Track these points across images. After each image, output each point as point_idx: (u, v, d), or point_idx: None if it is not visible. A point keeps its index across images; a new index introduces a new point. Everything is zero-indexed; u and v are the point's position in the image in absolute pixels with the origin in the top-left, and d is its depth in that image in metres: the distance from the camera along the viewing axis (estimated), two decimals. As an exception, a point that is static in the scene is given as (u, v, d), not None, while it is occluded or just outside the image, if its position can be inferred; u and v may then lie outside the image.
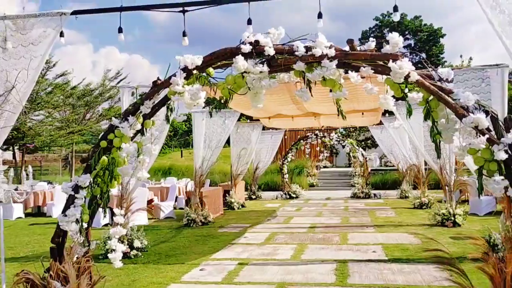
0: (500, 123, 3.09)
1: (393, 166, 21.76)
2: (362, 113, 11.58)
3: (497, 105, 6.04)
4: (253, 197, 18.41)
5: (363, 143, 30.40)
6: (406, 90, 3.37)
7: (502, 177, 2.98)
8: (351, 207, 14.54)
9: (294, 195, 18.56)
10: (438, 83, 3.24)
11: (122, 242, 7.50)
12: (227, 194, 15.06)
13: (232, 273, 6.37)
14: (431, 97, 3.25)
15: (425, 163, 14.95)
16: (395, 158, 17.94)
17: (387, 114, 13.38)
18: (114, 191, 9.09)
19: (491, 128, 3.14)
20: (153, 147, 3.92)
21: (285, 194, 18.62)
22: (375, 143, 30.90)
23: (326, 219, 11.90)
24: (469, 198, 12.66)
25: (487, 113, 3.06)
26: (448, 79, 3.27)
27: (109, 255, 3.95)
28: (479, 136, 3.01)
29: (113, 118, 3.76)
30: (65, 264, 3.67)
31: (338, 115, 3.73)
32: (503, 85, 6.18)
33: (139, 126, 3.71)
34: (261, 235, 9.51)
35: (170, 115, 3.82)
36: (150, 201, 12.57)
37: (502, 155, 2.95)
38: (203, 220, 11.16)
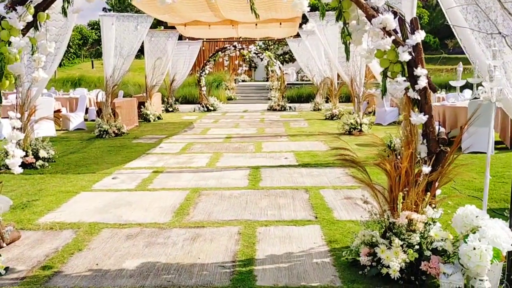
0: (407, 25, 3.15)
1: (309, 80, 22.25)
2: (280, 23, 11.42)
3: (407, 13, 6.20)
4: (170, 109, 18.09)
5: (281, 57, 30.52)
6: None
7: (405, 79, 3.10)
8: (267, 119, 14.86)
9: (212, 108, 18.50)
10: (351, -17, 3.19)
11: (26, 151, 7.10)
12: (142, 106, 14.61)
13: (146, 180, 6.33)
14: (344, -4, 3.20)
15: (338, 77, 15.46)
16: (310, 71, 18.30)
17: (302, 26, 13.34)
18: (14, 99, 8.40)
19: (398, 30, 3.21)
20: (48, 44, 3.54)
21: (202, 106, 18.49)
22: (292, 57, 31.14)
23: (243, 130, 12.09)
24: (375, 110, 13.46)
25: (395, 14, 3.09)
26: (361, -22, 3.21)
27: (7, 161, 3.68)
28: (386, 38, 3.06)
29: (-2, 7, 3.29)
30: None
31: (256, 17, 3.57)
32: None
33: (30, 18, 3.29)
34: (177, 145, 9.47)
35: (67, 7, 3.42)
36: (57, 111, 11.85)
37: (405, 57, 3.04)
38: (116, 131, 10.81)
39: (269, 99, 21.79)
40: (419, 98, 3.14)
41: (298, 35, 16.74)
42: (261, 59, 19.32)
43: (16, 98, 7.13)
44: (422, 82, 3.09)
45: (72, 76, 27.45)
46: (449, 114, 8.83)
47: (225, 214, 4.70)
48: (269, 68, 20.56)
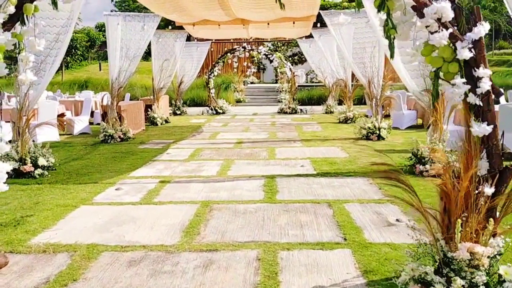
0: (465, 15, 2.60)
1: (319, 82, 21.56)
2: (293, 23, 10.88)
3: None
4: (178, 112, 17.63)
5: (290, 59, 29.98)
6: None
7: (464, 80, 2.55)
8: (278, 122, 14.32)
9: (220, 111, 18.01)
10: (397, -35, 2.64)
11: (24, 159, 6.63)
12: (149, 109, 14.14)
13: (152, 192, 5.81)
14: (388, -18, 2.66)
15: (352, 79, 14.87)
16: (322, 73, 17.72)
17: (318, 25, 12.80)
18: (14, 103, 7.94)
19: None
20: (37, 41, 3.03)
21: (211, 109, 18.00)
22: (301, 59, 30.61)
23: (253, 134, 11.56)
24: (390, 113, 12.83)
25: (452, 2, 2.54)
26: (408, -40, 2.67)
27: (-11, 177, 3.17)
28: (442, 31, 2.51)
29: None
30: None
31: (282, 8, 3.01)
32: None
33: (12, 9, 2.78)
34: (185, 151, 8.95)
35: (58, -3, 2.91)
36: (61, 115, 11.40)
37: (466, 54, 2.49)
38: (122, 136, 10.32)
39: (279, 101, 21.27)
40: (481, 105, 2.59)
41: (310, 36, 16.21)
42: (271, 61, 18.77)
43: (17, 103, 6.65)
44: (485, 85, 2.54)
45: (79, 79, 27.12)
46: (477, 118, 8.21)
47: (240, 234, 4.15)
48: (278, 70, 20.01)
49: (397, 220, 4.45)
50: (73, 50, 32.55)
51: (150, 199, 5.45)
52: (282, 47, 30.66)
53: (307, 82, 27.41)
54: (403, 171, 6.63)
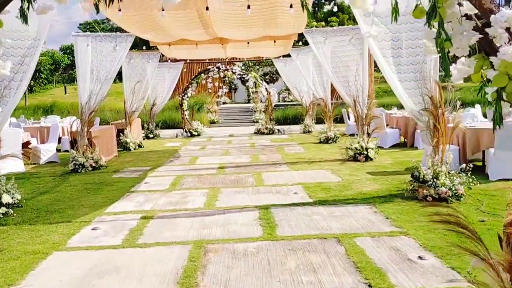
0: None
1: (292, 101, 21.19)
2: (274, 41, 10.48)
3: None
4: (151, 136, 16.90)
5: (261, 78, 29.79)
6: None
7: (541, 103, 2.09)
8: (257, 144, 13.82)
9: (195, 133, 17.39)
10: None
11: (-16, 199, 5.83)
12: (121, 134, 13.39)
13: (135, 231, 5.13)
14: (437, -14, 2.21)
15: (331, 97, 14.57)
16: (299, 92, 17.40)
17: (300, 43, 12.51)
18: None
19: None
20: (1, 64, 2.42)
21: (186, 132, 17.36)
22: (273, 78, 30.51)
23: (235, 157, 10.99)
24: (369, 132, 12.47)
25: (522, 8, 2.11)
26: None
27: None
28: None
29: None
30: None
31: (309, 17, 2.51)
32: None
33: (-32, 23, 2.18)
34: (165, 180, 8.28)
35: (28, 8, 2.32)
36: (26, 144, 10.53)
37: (542, 70, 2.04)
38: (93, 164, 9.56)
39: (254, 121, 20.82)
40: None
41: (286, 55, 15.93)
42: (244, 81, 18.36)
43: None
44: None
45: (44, 103, 25.96)
46: (470, 136, 7.95)
47: (246, 284, 3.55)
48: (250, 90, 19.60)
49: (420, 257, 3.97)
50: (37, 73, 31.33)
51: (133, 241, 4.78)
52: (254, 67, 30.41)
53: (279, 101, 27.18)
54: (404, 196, 6.26)
